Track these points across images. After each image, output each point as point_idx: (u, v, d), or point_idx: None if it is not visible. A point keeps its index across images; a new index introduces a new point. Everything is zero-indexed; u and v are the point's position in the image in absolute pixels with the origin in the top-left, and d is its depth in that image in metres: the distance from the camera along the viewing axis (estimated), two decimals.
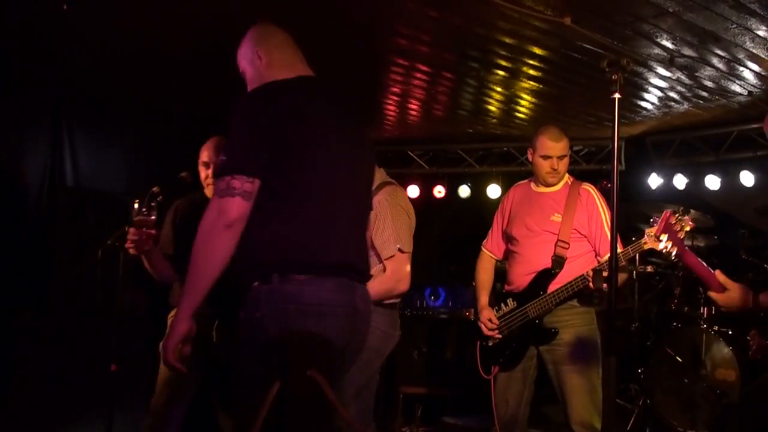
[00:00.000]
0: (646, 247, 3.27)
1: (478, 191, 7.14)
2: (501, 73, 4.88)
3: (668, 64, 4.52)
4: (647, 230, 3.24)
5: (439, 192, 6.99)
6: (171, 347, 2.06)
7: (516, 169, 6.94)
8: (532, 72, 4.83)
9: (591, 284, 3.28)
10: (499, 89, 5.30)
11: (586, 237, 3.57)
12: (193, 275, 2.07)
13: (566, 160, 3.64)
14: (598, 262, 3.49)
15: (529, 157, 3.71)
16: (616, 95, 1.99)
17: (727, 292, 2.56)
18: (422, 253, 3.74)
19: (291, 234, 2.12)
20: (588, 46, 4.24)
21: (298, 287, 2.08)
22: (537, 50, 4.40)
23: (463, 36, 4.25)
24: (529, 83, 5.08)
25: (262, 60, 2.38)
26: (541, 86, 5.12)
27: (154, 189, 3.18)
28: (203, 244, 2.06)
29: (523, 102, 5.59)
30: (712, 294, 2.63)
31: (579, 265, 3.50)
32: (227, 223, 2.04)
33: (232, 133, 2.15)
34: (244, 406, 2.09)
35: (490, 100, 5.61)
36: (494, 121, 6.18)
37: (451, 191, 7.16)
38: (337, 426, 2.20)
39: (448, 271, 6.93)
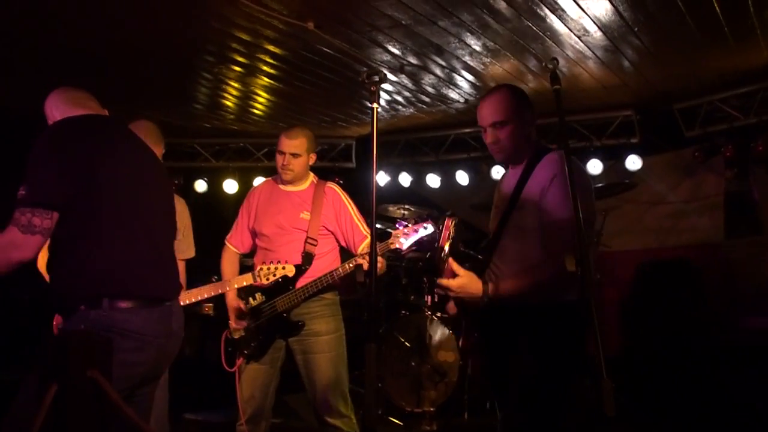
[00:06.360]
0: (392, 246, 3.47)
1: (215, 186, 7.10)
2: (237, 69, 4.85)
3: (398, 71, 4.85)
4: (394, 232, 3.46)
5: (174, 186, 6.79)
6: None
7: (252, 164, 7.04)
8: (268, 70, 4.87)
9: (357, 278, 3.18)
10: (235, 85, 5.27)
11: (332, 233, 3.70)
12: None
13: (301, 160, 3.68)
14: (357, 254, 3.62)
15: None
16: (375, 105, 2.07)
17: (458, 278, 2.59)
18: None
19: (113, 261, 2.21)
20: (327, 50, 4.40)
21: (125, 315, 2.20)
22: (275, 49, 4.45)
23: (200, 29, 4.16)
24: (266, 81, 5.12)
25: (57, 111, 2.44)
26: (278, 84, 5.19)
27: None
28: None
29: (260, 99, 5.62)
30: (444, 281, 2.59)
31: (326, 261, 3.64)
32: (23, 260, 2.12)
33: (33, 165, 2.14)
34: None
35: (227, 95, 5.55)
36: (231, 116, 6.14)
37: (188, 185, 7.09)
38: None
39: None
